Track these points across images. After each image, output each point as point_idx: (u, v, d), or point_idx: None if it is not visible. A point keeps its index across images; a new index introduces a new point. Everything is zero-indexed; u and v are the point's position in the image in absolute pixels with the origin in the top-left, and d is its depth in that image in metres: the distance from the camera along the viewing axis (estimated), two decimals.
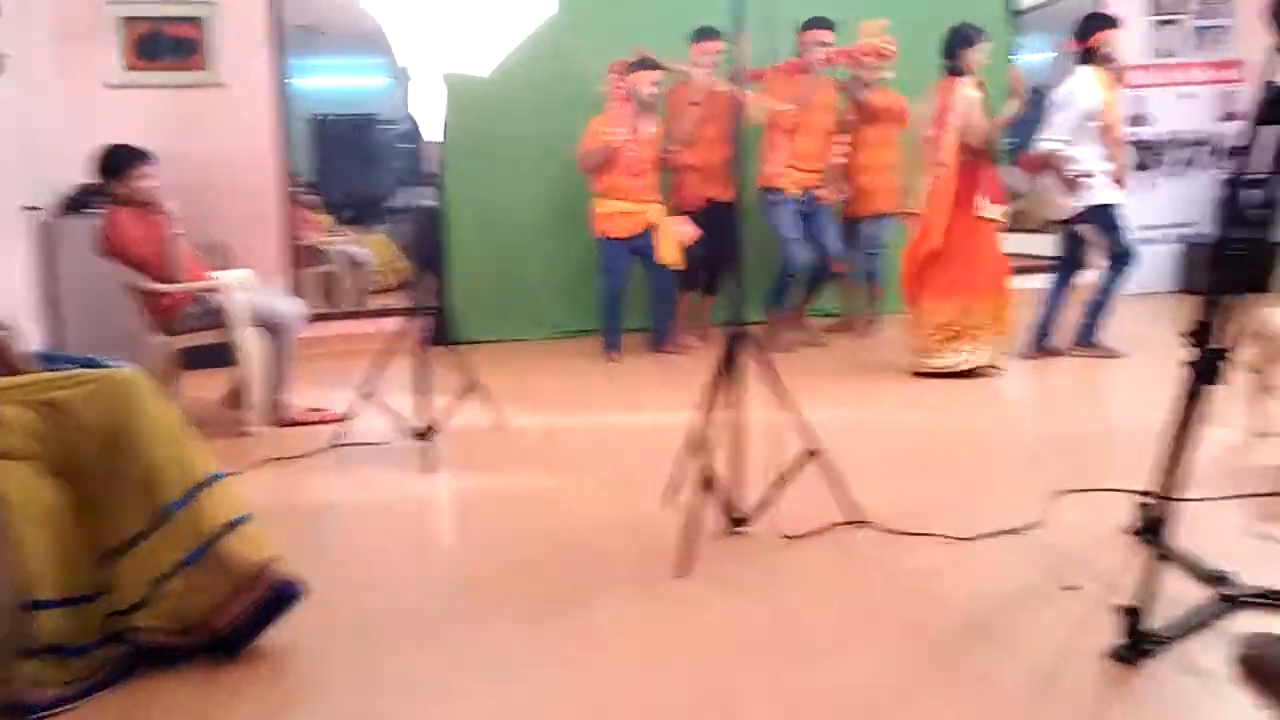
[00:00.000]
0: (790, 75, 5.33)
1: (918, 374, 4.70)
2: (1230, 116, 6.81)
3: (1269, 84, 2.09)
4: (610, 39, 5.51)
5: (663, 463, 3.08)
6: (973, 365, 4.62)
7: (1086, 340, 5.00)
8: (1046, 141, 4.81)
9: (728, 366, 2.73)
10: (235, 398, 4.20)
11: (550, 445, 3.91)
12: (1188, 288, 6.69)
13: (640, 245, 5.37)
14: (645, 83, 5.24)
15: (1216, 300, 2.12)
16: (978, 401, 4.35)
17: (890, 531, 2.74)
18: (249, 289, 4.22)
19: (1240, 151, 2.15)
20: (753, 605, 2.36)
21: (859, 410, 4.26)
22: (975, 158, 4.55)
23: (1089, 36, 4.83)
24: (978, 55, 4.61)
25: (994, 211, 4.60)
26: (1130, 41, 6.14)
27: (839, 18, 5.37)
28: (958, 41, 4.62)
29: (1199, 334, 2.16)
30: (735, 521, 2.77)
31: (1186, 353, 2.10)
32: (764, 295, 5.49)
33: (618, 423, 4.24)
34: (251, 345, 4.06)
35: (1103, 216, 4.86)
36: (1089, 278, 5.13)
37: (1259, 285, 2.06)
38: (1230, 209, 2.17)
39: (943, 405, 4.29)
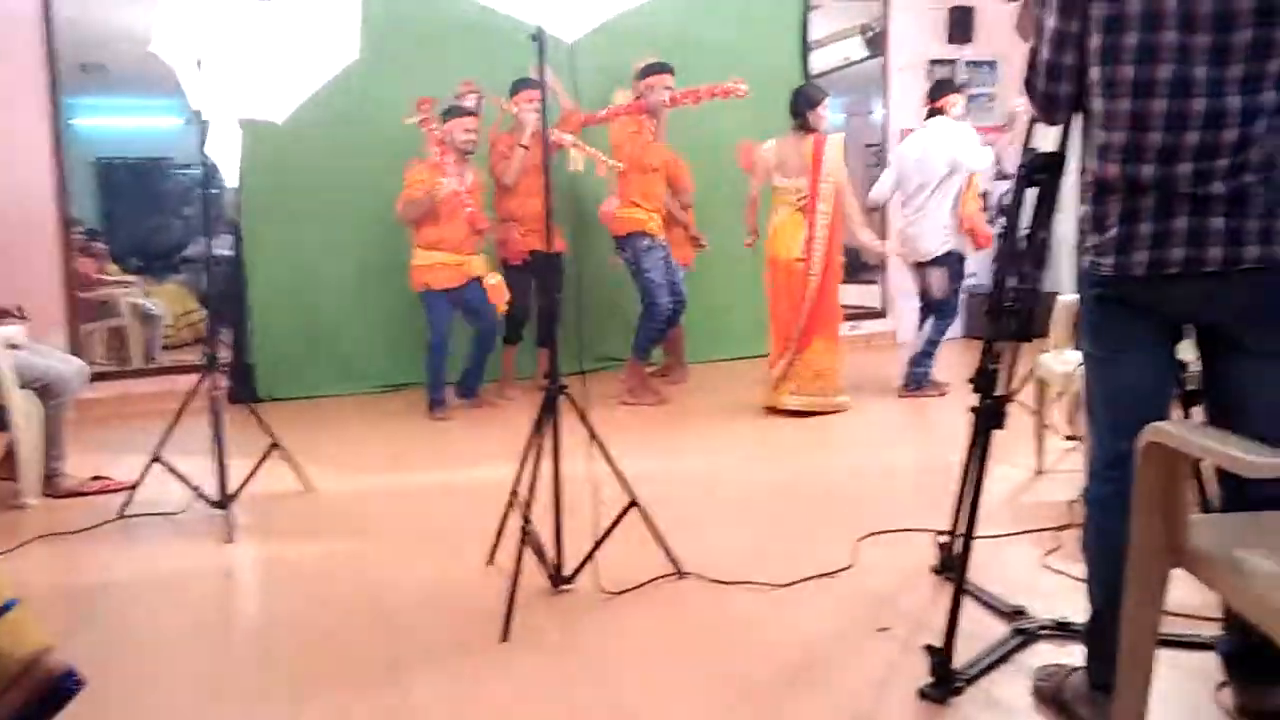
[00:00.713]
0: (635, 118, 5.37)
1: (780, 411, 4.94)
2: (1002, 177, 7.44)
3: (1030, 150, 2.27)
4: (417, 85, 5.43)
5: (483, 521, 2.99)
6: (828, 406, 4.94)
7: (919, 384, 5.36)
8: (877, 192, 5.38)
9: (547, 420, 2.69)
10: (5, 466, 3.78)
11: (361, 508, 3.72)
12: (972, 334, 7.21)
13: (464, 297, 5.21)
14: (460, 129, 5.14)
15: (996, 348, 2.27)
16: (805, 443, 4.49)
17: (711, 581, 2.75)
18: (20, 346, 3.83)
19: (1010, 210, 2.32)
20: (576, 669, 2.30)
21: (686, 457, 4.31)
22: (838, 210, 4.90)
23: (938, 98, 5.31)
24: (824, 113, 4.95)
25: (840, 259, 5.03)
26: (911, 108, 6.63)
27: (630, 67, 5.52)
28: (805, 102, 4.93)
29: (982, 381, 2.30)
30: (558, 579, 2.71)
31: (973, 399, 2.23)
32: (634, 344, 5.46)
33: (435, 481, 4.10)
34: (22, 409, 3.67)
35: (952, 263, 5.25)
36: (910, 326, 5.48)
37: (1031, 333, 2.22)
38: (1003, 263, 2.34)
39: (770, 449, 4.41)
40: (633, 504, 2.75)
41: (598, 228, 5.64)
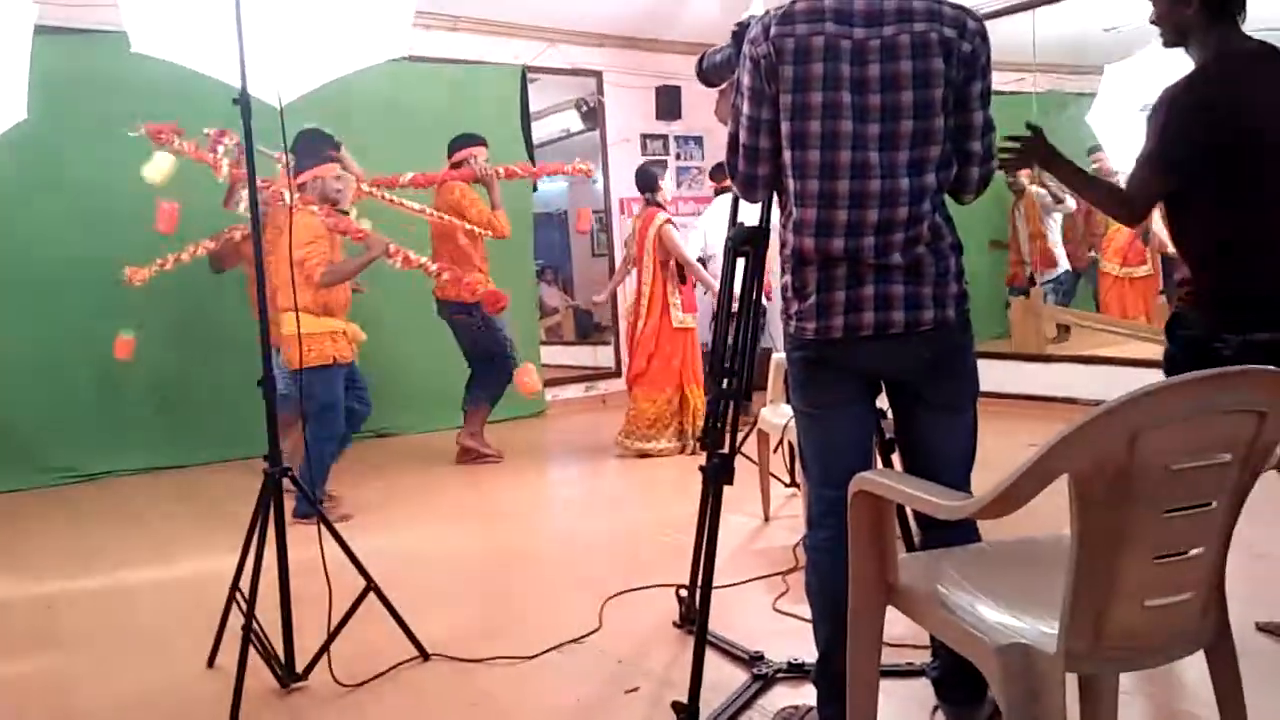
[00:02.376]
0: (467, 185, 5.19)
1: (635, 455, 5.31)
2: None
3: (739, 224, 2.46)
4: (113, 151, 5.00)
5: (202, 620, 2.73)
6: (653, 450, 5.36)
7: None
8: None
9: (268, 505, 2.51)
10: None
11: (51, 618, 3.27)
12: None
13: (353, 374, 4.45)
14: (330, 175, 4.34)
15: (721, 407, 2.41)
16: (550, 505, 4.48)
17: (456, 660, 2.67)
18: None
19: (723, 279, 2.49)
20: None
21: (431, 528, 4.16)
22: (672, 277, 5.44)
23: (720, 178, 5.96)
24: (667, 186, 5.63)
25: (689, 320, 5.52)
26: (627, 178, 6.93)
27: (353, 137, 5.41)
28: (649, 181, 5.52)
29: (710, 438, 2.42)
30: (289, 677, 2.52)
31: (704, 456, 2.35)
32: (483, 396, 5.35)
33: (144, 579, 3.69)
34: None
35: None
36: None
37: (750, 391, 2.38)
38: (721, 326, 2.50)
39: (517, 513, 4.35)
40: (369, 588, 2.62)
41: None
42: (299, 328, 3.32)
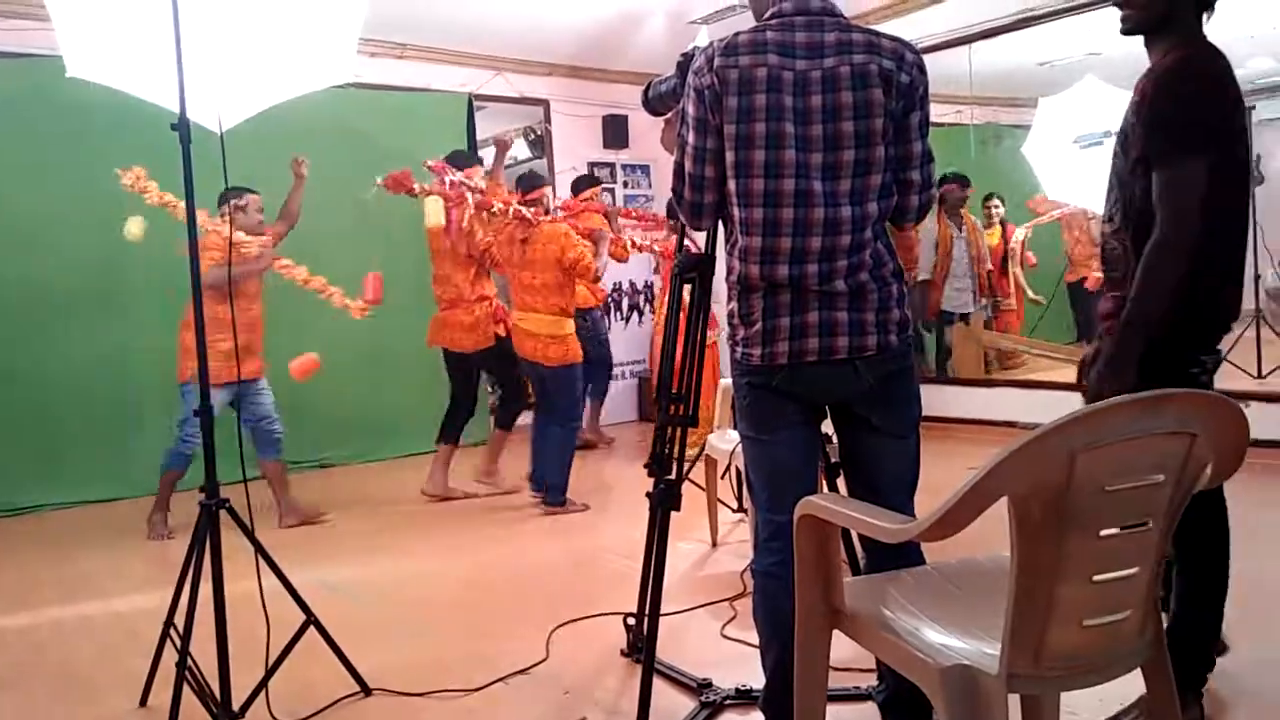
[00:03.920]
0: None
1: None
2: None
3: (685, 251, 2.48)
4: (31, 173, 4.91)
5: (135, 657, 2.64)
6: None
7: None
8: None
9: (204, 538, 2.44)
10: None
11: None
12: (644, 417, 7.58)
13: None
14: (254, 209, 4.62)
15: (667, 434, 2.41)
16: (496, 535, 4.42)
17: (399, 695, 2.61)
18: None
19: (670, 306, 2.51)
20: None
21: (376, 560, 4.08)
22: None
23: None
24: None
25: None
26: None
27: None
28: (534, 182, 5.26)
29: (657, 465, 2.42)
30: (224, 714, 2.44)
31: (650, 483, 2.34)
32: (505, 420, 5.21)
33: (74, 616, 3.55)
34: None
35: None
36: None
37: (696, 417, 2.39)
38: (669, 353, 2.51)
39: (463, 543, 4.29)
40: (309, 622, 2.56)
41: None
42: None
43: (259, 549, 2.56)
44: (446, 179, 4.72)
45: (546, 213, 4.77)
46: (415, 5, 5.82)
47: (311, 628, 2.56)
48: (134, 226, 4.52)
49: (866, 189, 1.89)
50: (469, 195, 4.71)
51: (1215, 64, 2.02)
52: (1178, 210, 1.95)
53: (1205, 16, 2.10)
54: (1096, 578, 1.35)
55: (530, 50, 6.97)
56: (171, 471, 4.56)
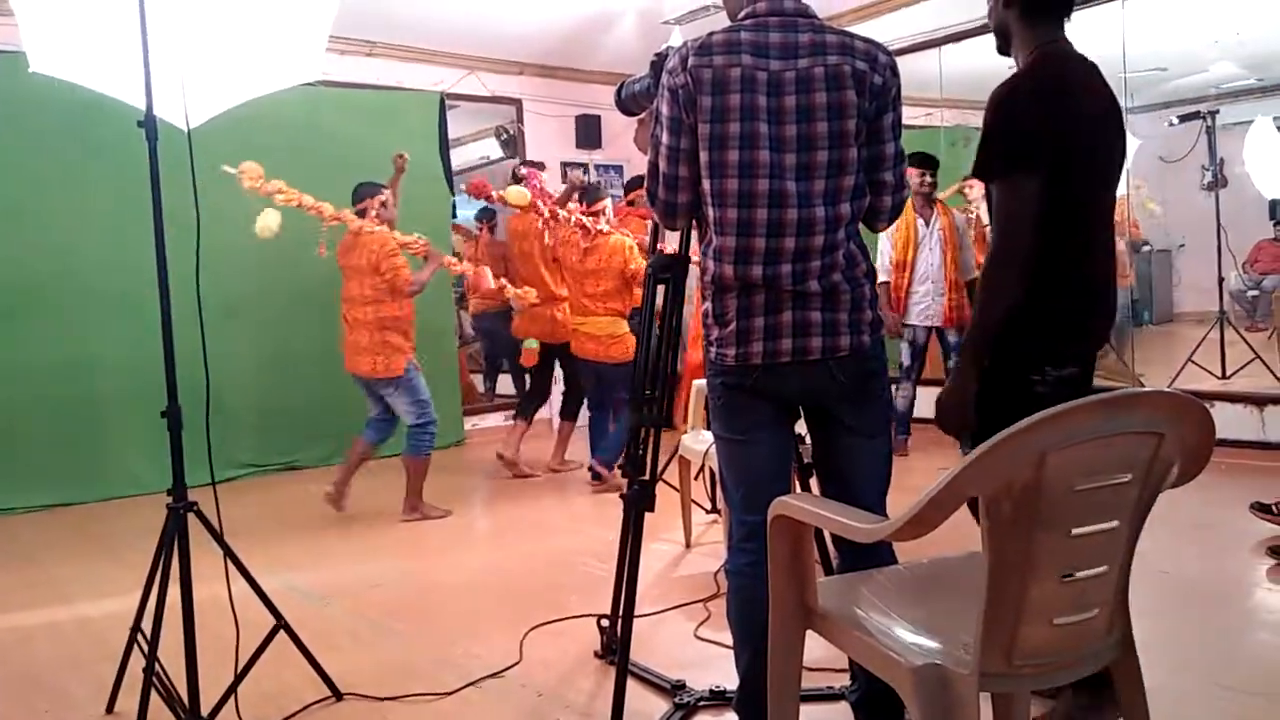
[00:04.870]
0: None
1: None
2: None
3: (659, 253, 2.47)
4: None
5: (102, 662, 2.60)
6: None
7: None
8: None
9: (175, 540, 2.41)
10: None
11: None
12: None
13: None
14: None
15: (641, 436, 2.41)
16: (469, 537, 4.40)
17: (370, 700, 2.59)
18: None
19: (644, 306, 2.50)
20: None
21: (347, 563, 4.04)
22: None
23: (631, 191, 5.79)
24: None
25: None
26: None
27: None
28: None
29: (631, 467, 2.42)
30: None
31: (626, 483, 2.34)
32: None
33: (40, 622, 3.49)
34: None
35: None
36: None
37: (671, 418, 2.39)
38: (642, 358, 2.50)
39: (433, 546, 4.27)
40: (279, 626, 2.53)
41: (235, 313, 5.31)
42: None
43: (228, 553, 2.53)
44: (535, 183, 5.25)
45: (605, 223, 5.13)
46: (387, 3, 5.78)
47: (282, 632, 2.53)
48: (269, 220, 4.52)
49: (840, 190, 1.89)
50: (542, 205, 5.17)
51: (1051, 77, 1.99)
52: (1004, 225, 1.97)
53: (1065, 19, 2.06)
54: (1066, 576, 1.36)
55: (503, 49, 6.96)
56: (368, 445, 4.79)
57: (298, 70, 3.14)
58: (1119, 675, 1.53)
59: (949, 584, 1.70)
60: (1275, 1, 5.33)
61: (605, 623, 2.80)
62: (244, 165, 4.44)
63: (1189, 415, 1.37)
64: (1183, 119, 6.16)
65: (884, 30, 5.79)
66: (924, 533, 1.34)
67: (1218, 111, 6.16)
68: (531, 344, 5.31)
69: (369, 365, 4.59)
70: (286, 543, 4.39)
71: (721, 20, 2.00)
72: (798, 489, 2.21)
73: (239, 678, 2.42)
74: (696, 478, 3.93)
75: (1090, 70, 2.05)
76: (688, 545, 3.96)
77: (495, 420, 7.27)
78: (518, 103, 7.34)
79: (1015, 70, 2.06)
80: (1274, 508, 3.56)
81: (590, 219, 5.03)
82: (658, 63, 2.20)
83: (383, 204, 4.67)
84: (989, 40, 2.20)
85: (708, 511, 4.24)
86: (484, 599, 3.56)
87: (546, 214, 5.15)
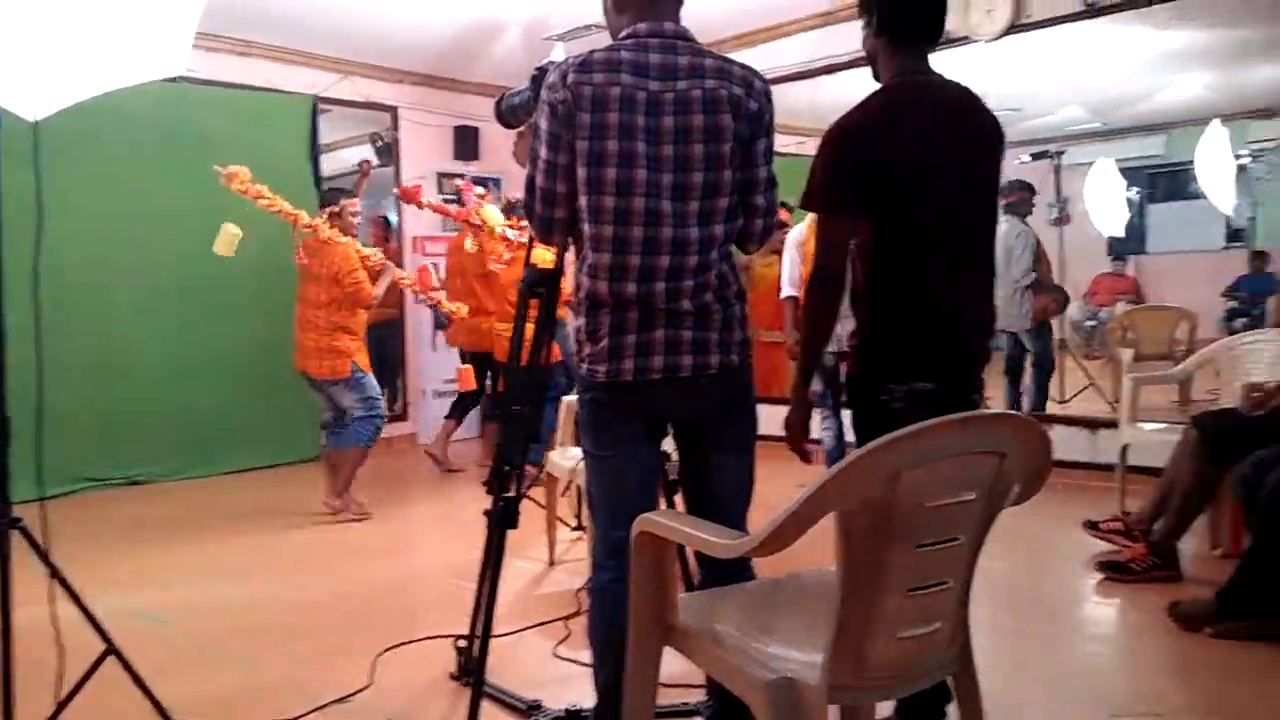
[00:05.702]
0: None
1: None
2: None
3: (531, 266, 2.44)
4: None
5: None
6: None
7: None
8: None
9: None
10: None
11: None
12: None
13: None
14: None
15: (507, 452, 2.36)
16: (327, 555, 4.22)
17: None
18: None
19: (516, 320, 2.46)
20: None
21: (196, 582, 3.81)
22: None
23: None
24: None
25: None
26: (424, 215, 6.81)
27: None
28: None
29: (495, 483, 2.37)
30: None
31: (487, 501, 2.29)
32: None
33: None
34: None
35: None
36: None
37: (538, 433, 2.36)
38: (512, 370, 2.47)
39: (290, 563, 4.08)
40: (109, 650, 2.36)
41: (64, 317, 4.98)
42: None
43: (55, 573, 2.34)
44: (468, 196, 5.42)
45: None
46: (263, 1, 5.57)
47: (113, 657, 2.36)
48: (228, 238, 4.26)
49: (714, 211, 1.92)
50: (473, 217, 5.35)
51: (879, 115, 2.01)
52: (819, 251, 2.06)
53: (926, 52, 2.06)
54: (912, 590, 1.40)
55: (381, 55, 6.81)
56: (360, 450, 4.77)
57: (158, 64, 2.99)
58: (959, 686, 1.58)
59: (803, 599, 1.73)
60: (1120, 50, 5.70)
61: (463, 643, 2.74)
62: (231, 168, 4.39)
63: (1029, 436, 1.43)
64: (1035, 157, 6.54)
65: (761, 59, 5.94)
66: (781, 548, 1.36)
67: (1064, 152, 6.57)
68: (465, 366, 5.39)
69: (316, 367, 4.68)
70: (131, 560, 4.13)
71: (604, 40, 2.01)
72: (663, 505, 2.21)
73: (61, 706, 2.24)
74: (563, 494, 3.90)
75: (941, 100, 2.04)
76: (551, 562, 3.92)
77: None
78: (394, 110, 7.19)
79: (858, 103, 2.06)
80: (1102, 525, 3.79)
81: (516, 232, 5.24)
82: (539, 76, 2.18)
83: (353, 212, 4.78)
84: (862, 73, 2.24)
85: (573, 529, 4.21)
86: (337, 619, 3.42)
87: (477, 224, 5.35)
